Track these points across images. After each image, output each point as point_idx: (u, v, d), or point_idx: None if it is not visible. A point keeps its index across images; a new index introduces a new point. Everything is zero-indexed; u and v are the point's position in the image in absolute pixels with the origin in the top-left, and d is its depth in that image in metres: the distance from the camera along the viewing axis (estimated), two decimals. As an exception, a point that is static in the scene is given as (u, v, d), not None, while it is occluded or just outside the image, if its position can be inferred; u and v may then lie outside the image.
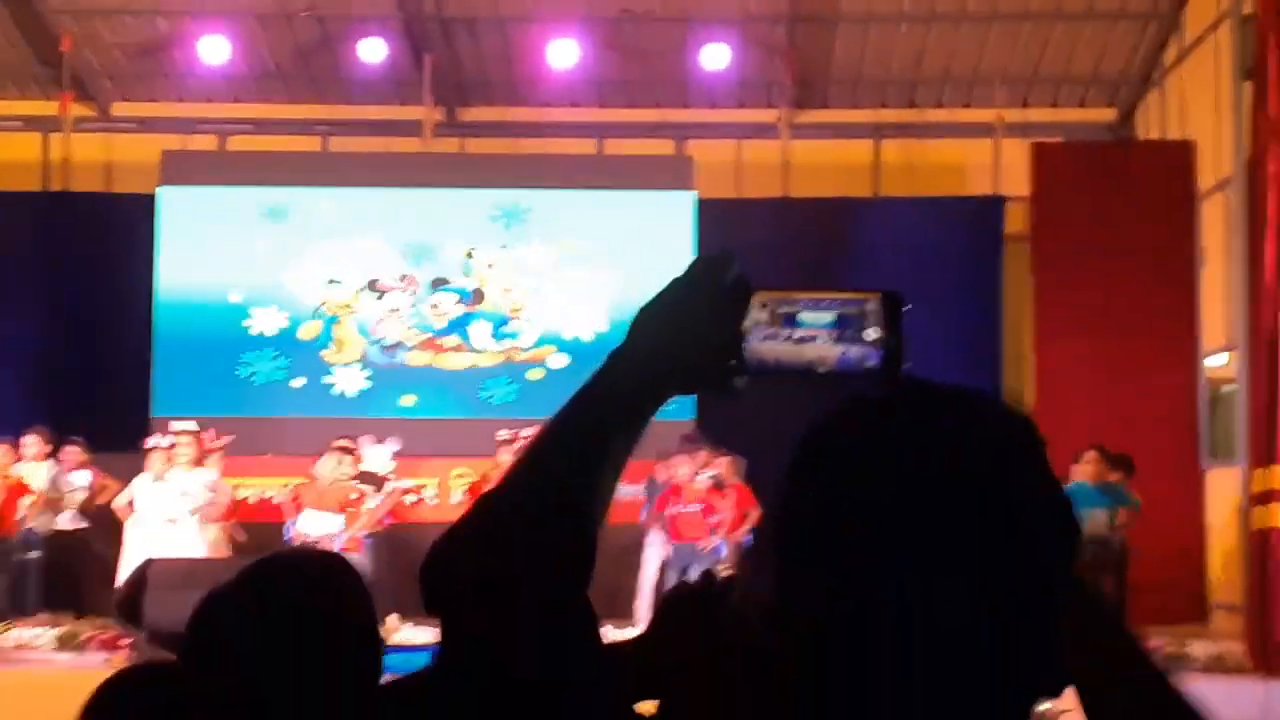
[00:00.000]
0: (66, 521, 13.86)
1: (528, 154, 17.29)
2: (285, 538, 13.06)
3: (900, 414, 1.27)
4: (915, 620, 1.20)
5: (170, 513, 13.24)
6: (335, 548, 11.94)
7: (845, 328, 1.36)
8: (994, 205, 16.71)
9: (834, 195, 16.89)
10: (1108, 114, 17.51)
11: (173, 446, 13.46)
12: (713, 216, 16.03)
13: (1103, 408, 14.99)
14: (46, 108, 17.26)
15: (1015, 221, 16.63)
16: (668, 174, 16.59)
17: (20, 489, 13.66)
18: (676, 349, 1.38)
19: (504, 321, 16.11)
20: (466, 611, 1.38)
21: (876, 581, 1.21)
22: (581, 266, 16.10)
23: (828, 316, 1.37)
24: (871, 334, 1.36)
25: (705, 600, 1.88)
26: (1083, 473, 12.70)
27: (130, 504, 13.40)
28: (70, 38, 16.60)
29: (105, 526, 14.02)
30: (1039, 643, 1.23)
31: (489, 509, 1.42)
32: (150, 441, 13.63)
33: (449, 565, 1.40)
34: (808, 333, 1.37)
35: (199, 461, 13.52)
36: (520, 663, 1.36)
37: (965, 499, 1.22)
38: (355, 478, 13.50)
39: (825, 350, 1.36)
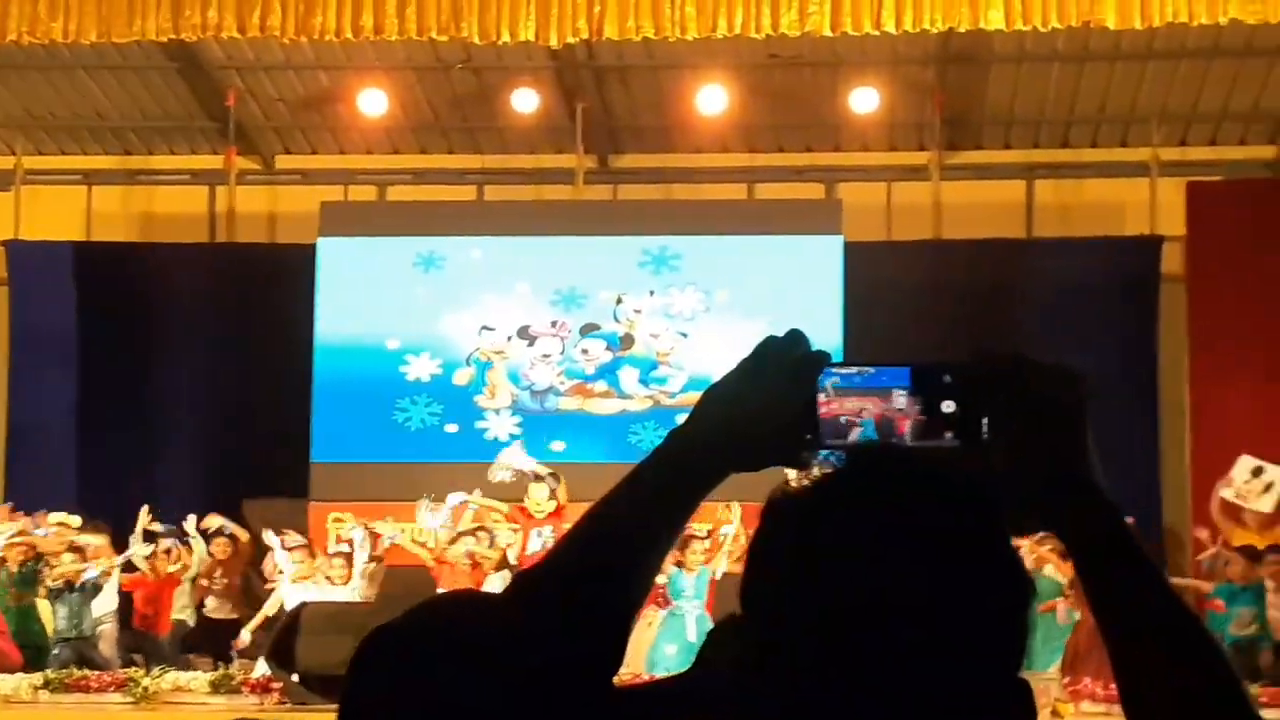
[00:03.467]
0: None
1: (678, 200, 17.37)
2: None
3: (856, 489, 1.28)
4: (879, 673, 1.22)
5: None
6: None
7: (923, 400, 1.36)
8: (1151, 246, 16.36)
9: (986, 237, 16.69)
10: (1268, 151, 17.05)
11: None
12: (862, 260, 15.96)
13: (1265, 454, 14.56)
14: (212, 161, 17.77)
15: (1174, 262, 16.29)
16: (816, 218, 16.56)
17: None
18: (743, 423, 1.38)
19: (653, 366, 16.19)
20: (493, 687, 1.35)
21: (840, 648, 1.23)
22: (729, 312, 16.11)
23: (904, 388, 1.36)
24: (948, 407, 1.35)
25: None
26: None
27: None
28: (235, 93, 17.09)
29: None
30: (994, 689, 1.24)
31: (528, 588, 1.40)
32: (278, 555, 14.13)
33: (482, 645, 1.38)
34: (885, 405, 1.36)
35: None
36: None
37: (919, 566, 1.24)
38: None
39: (901, 423, 1.35)
